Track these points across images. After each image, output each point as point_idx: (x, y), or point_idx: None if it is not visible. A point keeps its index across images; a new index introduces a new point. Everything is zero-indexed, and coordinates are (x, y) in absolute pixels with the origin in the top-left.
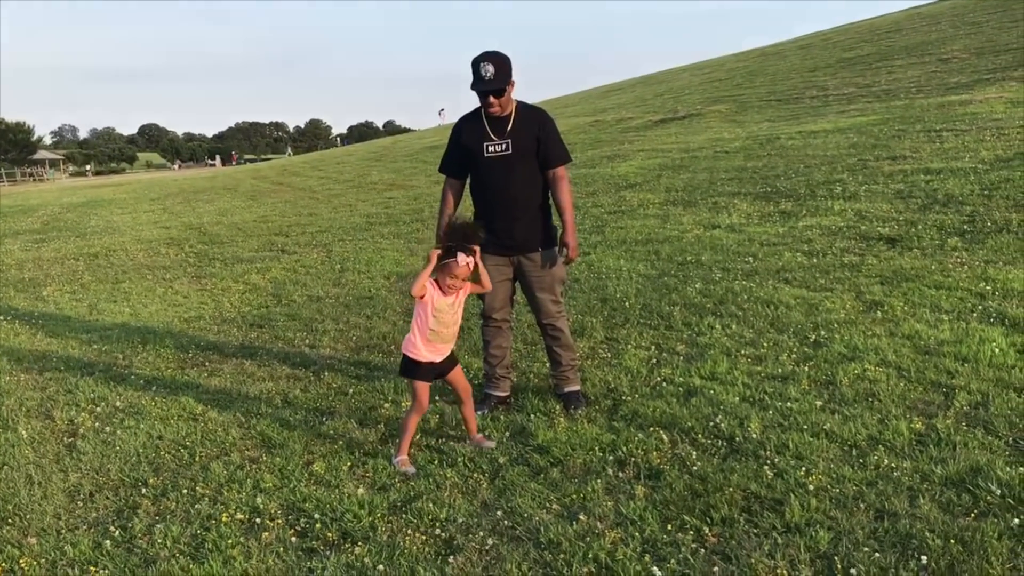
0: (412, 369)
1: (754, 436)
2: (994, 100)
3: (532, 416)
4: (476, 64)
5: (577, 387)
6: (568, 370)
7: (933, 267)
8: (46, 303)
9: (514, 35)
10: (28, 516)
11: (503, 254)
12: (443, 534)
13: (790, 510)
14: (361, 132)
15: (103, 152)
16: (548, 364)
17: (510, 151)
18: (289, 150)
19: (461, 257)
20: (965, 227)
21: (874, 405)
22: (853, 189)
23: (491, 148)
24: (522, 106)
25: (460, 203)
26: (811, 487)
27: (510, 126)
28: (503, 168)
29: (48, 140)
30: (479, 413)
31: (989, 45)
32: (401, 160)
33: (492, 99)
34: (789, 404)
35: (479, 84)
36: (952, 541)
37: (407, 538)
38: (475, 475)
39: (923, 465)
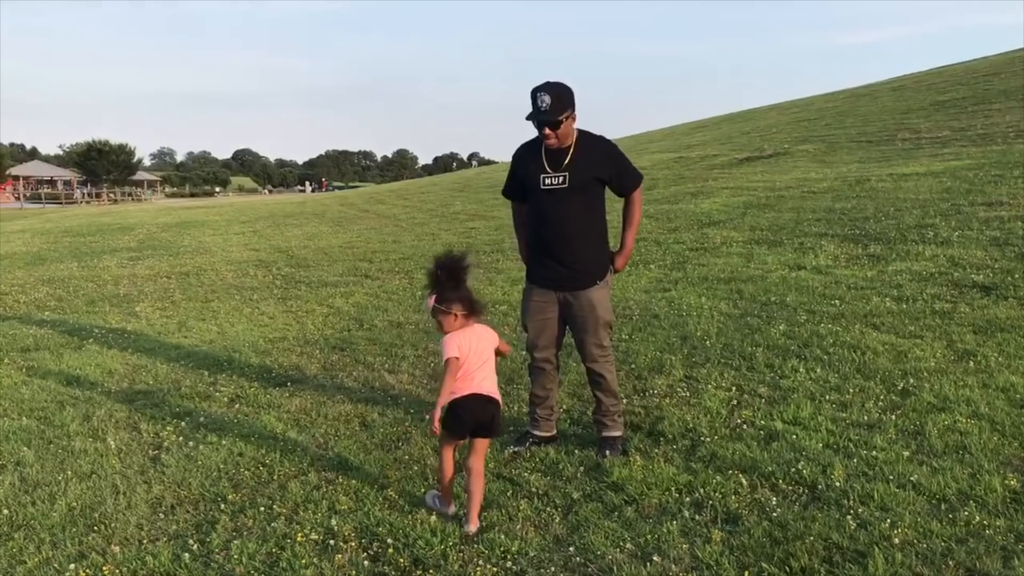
0: None
1: (837, 484)
2: None
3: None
4: (534, 94)
5: (618, 433)
6: (607, 416)
7: None
8: (138, 319)
9: (598, 69)
10: (112, 524)
11: (549, 288)
12: (515, 567)
13: (874, 563)
14: (445, 163)
15: (198, 175)
16: (592, 405)
17: (566, 185)
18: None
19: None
20: None
21: (965, 459)
22: (946, 234)
23: (547, 180)
24: (583, 137)
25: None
26: (896, 540)
27: (568, 159)
28: (557, 202)
29: (147, 162)
30: (518, 450)
31: None
32: (484, 191)
33: (548, 131)
34: (875, 453)
35: (535, 115)
36: None
37: (478, 568)
38: (548, 509)
39: (1018, 525)
